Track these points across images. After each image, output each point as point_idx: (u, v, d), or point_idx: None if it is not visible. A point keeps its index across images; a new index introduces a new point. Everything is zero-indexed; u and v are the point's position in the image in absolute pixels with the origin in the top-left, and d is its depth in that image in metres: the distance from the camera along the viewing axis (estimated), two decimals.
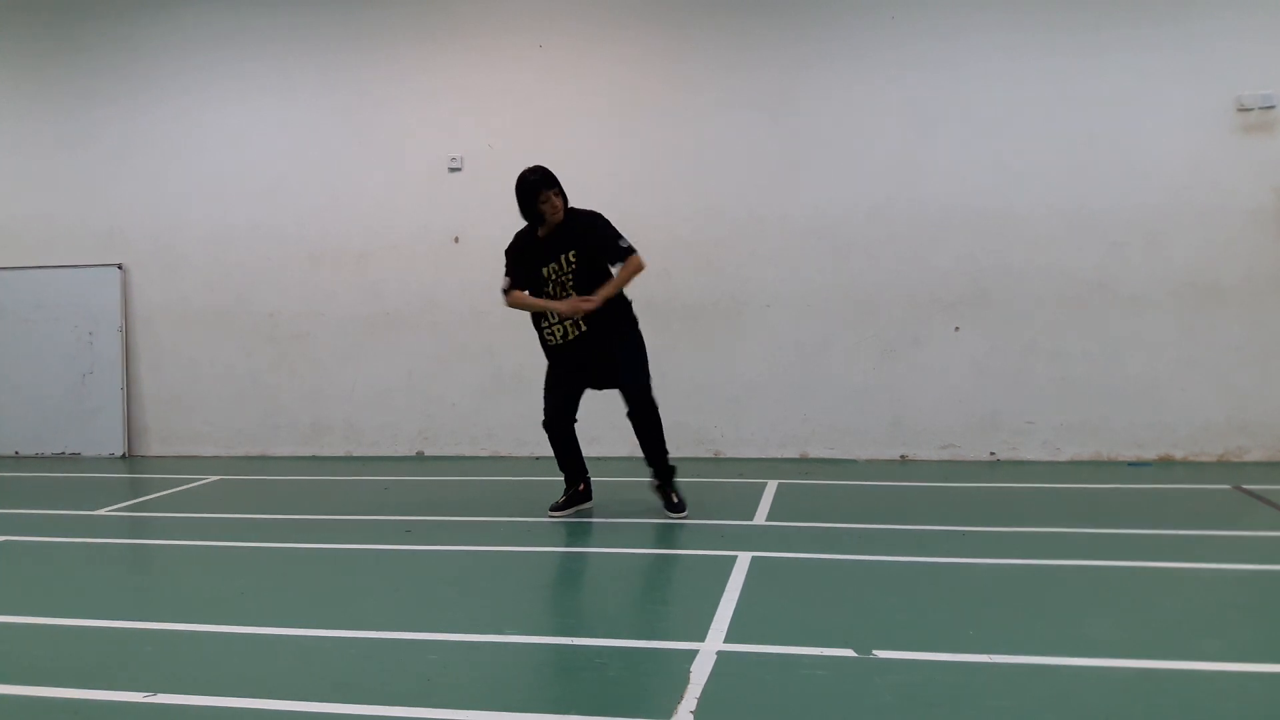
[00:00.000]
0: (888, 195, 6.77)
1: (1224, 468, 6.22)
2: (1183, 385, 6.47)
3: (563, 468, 5.22)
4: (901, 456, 6.83)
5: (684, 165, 7.02)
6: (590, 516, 5.14)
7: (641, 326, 5.03)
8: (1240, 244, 6.37)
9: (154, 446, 7.91)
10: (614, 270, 4.94)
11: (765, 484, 5.87)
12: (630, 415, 4.96)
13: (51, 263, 7.96)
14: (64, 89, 7.93)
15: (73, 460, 7.80)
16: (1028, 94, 6.60)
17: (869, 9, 6.80)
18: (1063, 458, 6.62)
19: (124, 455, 7.83)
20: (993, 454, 6.71)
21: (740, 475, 6.25)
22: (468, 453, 7.40)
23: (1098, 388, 6.56)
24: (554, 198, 4.85)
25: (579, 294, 4.87)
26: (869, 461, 6.78)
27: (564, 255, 4.87)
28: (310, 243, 7.60)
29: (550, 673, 2.95)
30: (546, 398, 5.10)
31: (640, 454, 5.06)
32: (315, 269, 7.60)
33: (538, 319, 5.02)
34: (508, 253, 5.02)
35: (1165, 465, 6.39)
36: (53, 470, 7.33)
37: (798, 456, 6.91)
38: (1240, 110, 6.33)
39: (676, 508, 4.98)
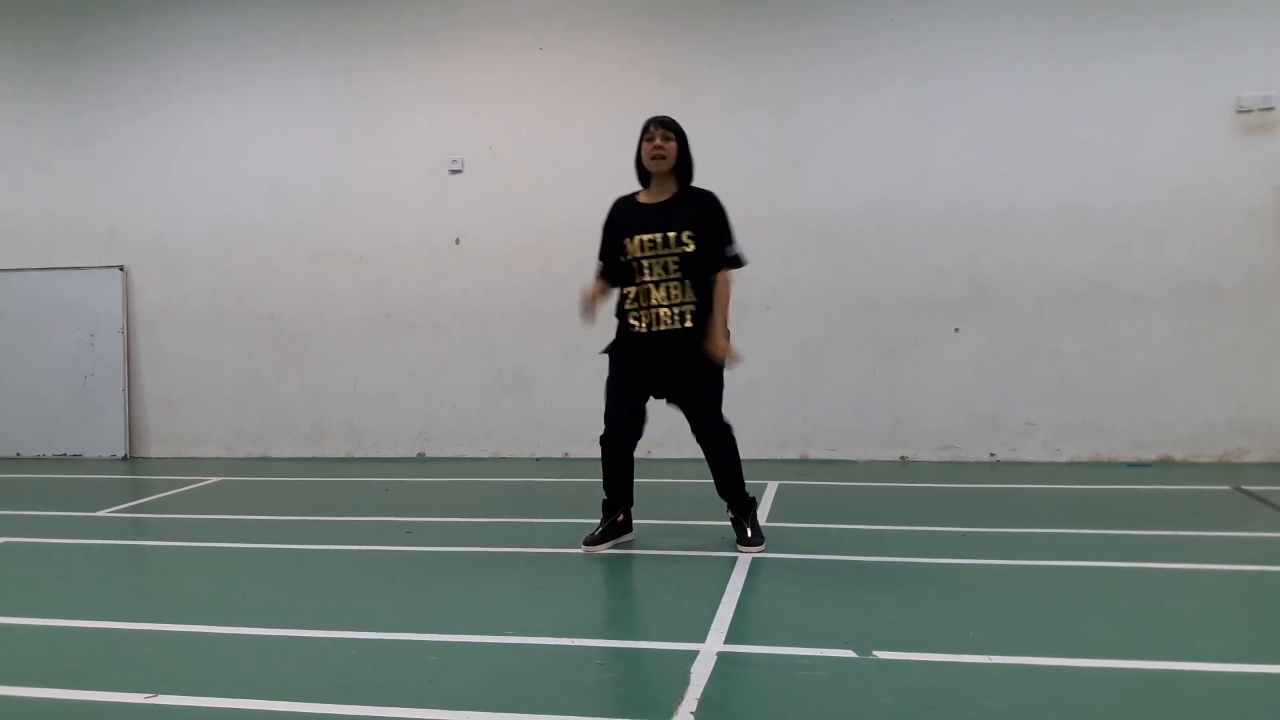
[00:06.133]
0: (888, 195, 6.78)
1: (1224, 468, 6.22)
2: (1183, 385, 6.48)
3: (608, 489, 4.54)
4: (901, 457, 6.83)
5: None
6: (591, 517, 5.12)
7: None
8: (1240, 243, 6.38)
9: (155, 448, 7.92)
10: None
11: (765, 485, 5.86)
12: (701, 443, 4.43)
13: (53, 264, 7.97)
14: (64, 91, 7.94)
15: (74, 462, 7.81)
16: (1028, 94, 6.61)
17: (869, 10, 6.82)
18: (1062, 458, 6.62)
19: (125, 457, 7.84)
20: (993, 455, 6.71)
21: None
22: (468, 453, 7.40)
23: (1098, 388, 6.56)
24: (664, 141, 4.14)
25: (683, 289, 4.21)
26: (869, 462, 6.78)
27: (672, 233, 4.16)
28: (311, 244, 7.61)
29: (550, 673, 2.95)
30: (610, 406, 4.38)
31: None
32: (316, 270, 7.61)
33: (623, 300, 4.33)
34: (603, 228, 4.38)
35: (1165, 466, 6.40)
36: (54, 472, 7.34)
37: (798, 457, 6.91)
38: (1240, 111, 6.34)
39: (749, 542, 4.33)
